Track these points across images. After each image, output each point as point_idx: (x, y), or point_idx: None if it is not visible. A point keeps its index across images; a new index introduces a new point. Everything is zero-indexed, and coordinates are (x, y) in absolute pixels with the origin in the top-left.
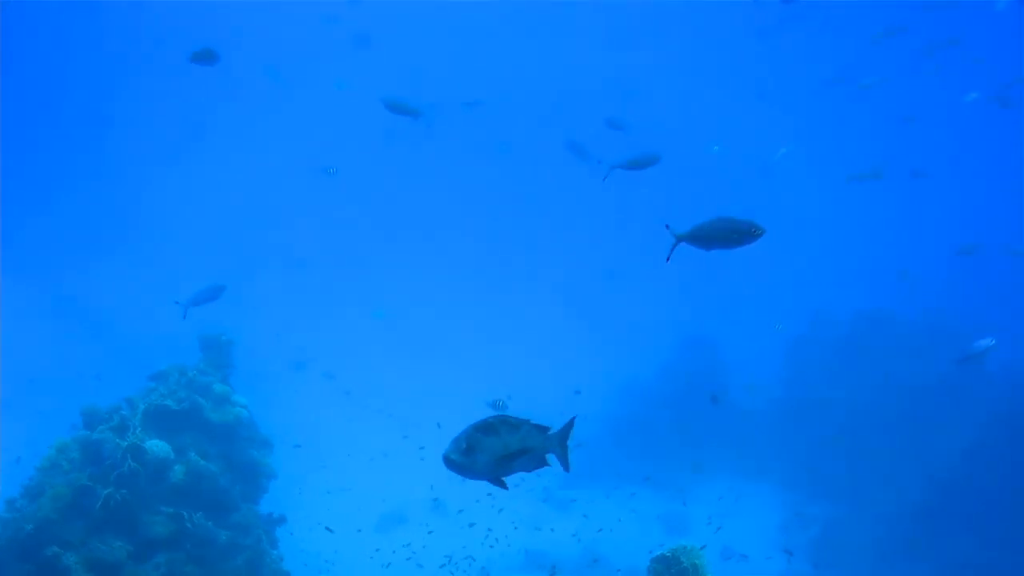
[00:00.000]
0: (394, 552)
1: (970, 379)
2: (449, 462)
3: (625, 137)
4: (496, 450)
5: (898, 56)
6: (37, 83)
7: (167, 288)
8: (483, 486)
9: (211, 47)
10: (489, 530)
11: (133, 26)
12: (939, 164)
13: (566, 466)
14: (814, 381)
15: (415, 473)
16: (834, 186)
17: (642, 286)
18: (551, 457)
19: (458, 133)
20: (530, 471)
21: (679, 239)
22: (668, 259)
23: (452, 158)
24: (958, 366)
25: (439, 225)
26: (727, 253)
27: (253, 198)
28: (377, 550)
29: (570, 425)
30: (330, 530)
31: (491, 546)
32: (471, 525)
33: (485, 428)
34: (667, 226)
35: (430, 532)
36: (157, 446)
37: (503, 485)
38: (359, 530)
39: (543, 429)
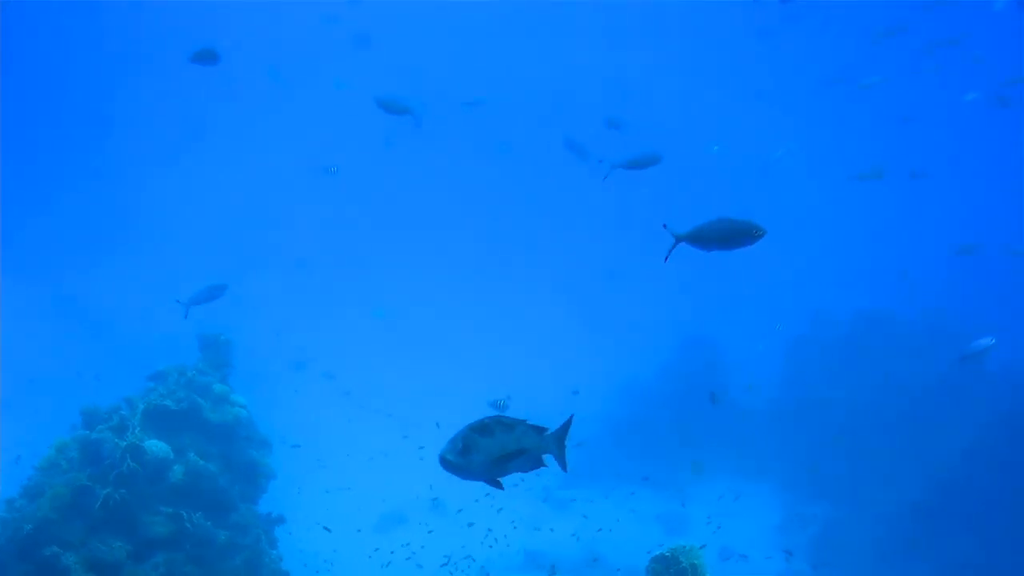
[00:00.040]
0: (392, 552)
1: (970, 379)
2: (445, 463)
3: (624, 137)
4: (492, 451)
5: (898, 56)
6: (37, 83)
7: (167, 288)
8: (482, 486)
9: (212, 47)
10: (489, 530)
11: (133, 26)
12: (939, 164)
13: (564, 466)
14: (814, 381)
15: (414, 473)
16: (834, 186)
17: (642, 286)
18: (549, 457)
19: (458, 133)
20: (526, 472)
21: (679, 239)
22: (666, 259)
23: (452, 158)
24: (958, 365)
25: (439, 225)
26: (727, 253)
27: (253, 198)
28: (376, 550)
29: (567, 425)
30: (328, 529)
31: (490, 546)
32: (470, 525)
33: (481, 429)
34: (665, 225)
35: (429, 532)
36: (156, 446)
37: (499, 486)
38: (358, 530)
39: (539, 430)
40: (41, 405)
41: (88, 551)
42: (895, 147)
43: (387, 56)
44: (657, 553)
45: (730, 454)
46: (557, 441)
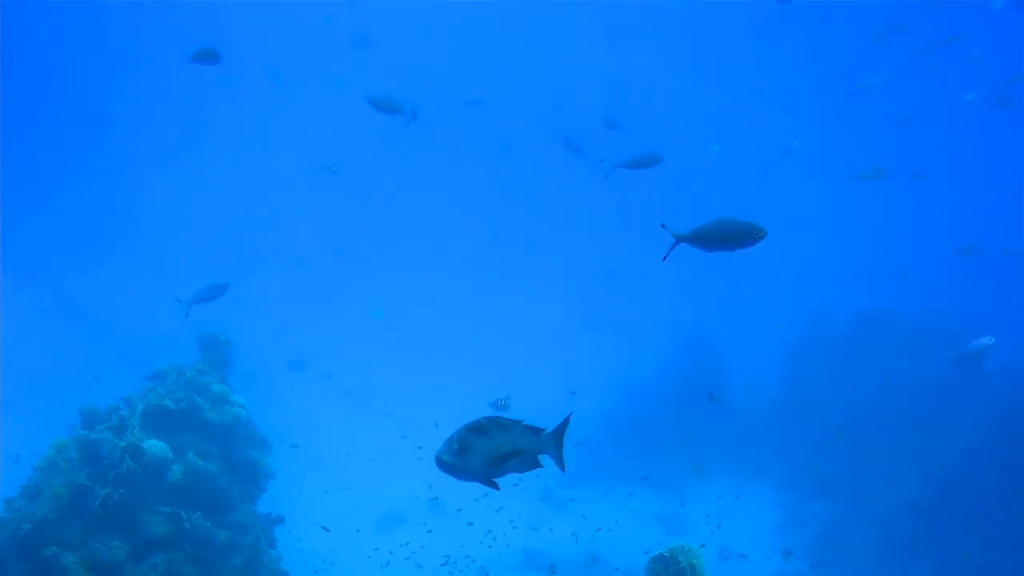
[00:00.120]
0: (391, 552)
1: (970, 379)
2: (441, 463)
3: (623, 136)
4: (488, 451)
5: (898, 55)
6: (37, 83)
7: (167, 288)
8: (481, 486)
9: (213, 46)
10: (489, 531)
11: (133, 26)
12: (939, 164)
13: (561, 466)
14: (814, 381)
15: (414, 473)
16: (834, 186)
17: (642, 286)
18: (546, 458)
19: (457, 133)
20: (522, 472)
21: (679, 239)
22: (665, 258)
23: (451, 158)
24: (957, 365)
25: (438, 225)
26: (727, 254)
27: (253, 198)
28: (376, 549)
29: (564, 425)
30: (326, 529)
31: (490, 546)
32: (470, 524)
33: (477, 429)
34: (663, 225)
35: (429, 531)
36: (155, 446)
37: (495, 486)
38: (358, 530)
39: (535, 430)
40: (40, 405)
41: (87, 551)
42: (895, 147)
43: (387, 56)
44: (656, 553)
45: (730, 454)
46: (554, 441)
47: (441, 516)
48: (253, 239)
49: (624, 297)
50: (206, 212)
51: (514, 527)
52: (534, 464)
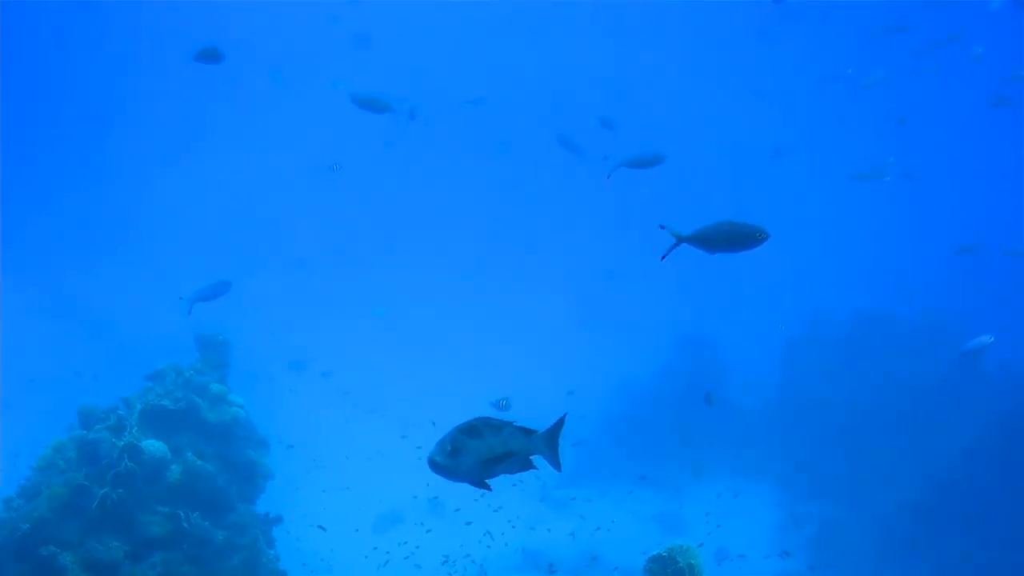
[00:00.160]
0: (389, 552)
1: (970, 379)
2: (434, 465)
3: (621, 136)
4: (480, 453)
5: (897, 55)
6: (37, 83)
7: (166, 288)
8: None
9: (216, 46)
10: (488, 532)
11: (133, 26)
12: (938, 163)
13: (557, 466)
14: (813, 381)
15: (413, 473)
16: (833, 186)
17: (641, 286)
18: (540, 459)
19: (457, 132)
20: (514, 474)
21: (680, 240)
22: (663, 258)
23: (451, 157)
24: (957, 363)
25: (437, 225)
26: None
27: (253, 198)
28: (374, 549)
29: (559, 425)
30: (323, 528)
31: (488, 545)
32: (468, 524)
33: (469, 430)
34: (662, 226)
35: (428, 531)
36: (154, 446)
37: (486, 487)
38: (356, 529)
39: (528, 432)
40: (39, 405)
41: (85, 551)
42: (895, 147)
43: (387, 56)
44: (654, 553)
45: (728, 454)
46: (548, 442)
47: (440, 516)
48: (253, 239)
49: (623, 297)
50: (206, 212)
51: (513, 527)
52: (527, 465)
